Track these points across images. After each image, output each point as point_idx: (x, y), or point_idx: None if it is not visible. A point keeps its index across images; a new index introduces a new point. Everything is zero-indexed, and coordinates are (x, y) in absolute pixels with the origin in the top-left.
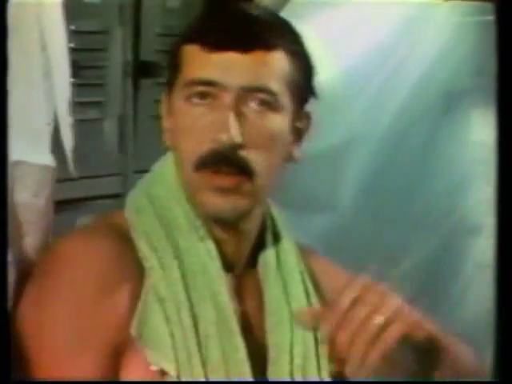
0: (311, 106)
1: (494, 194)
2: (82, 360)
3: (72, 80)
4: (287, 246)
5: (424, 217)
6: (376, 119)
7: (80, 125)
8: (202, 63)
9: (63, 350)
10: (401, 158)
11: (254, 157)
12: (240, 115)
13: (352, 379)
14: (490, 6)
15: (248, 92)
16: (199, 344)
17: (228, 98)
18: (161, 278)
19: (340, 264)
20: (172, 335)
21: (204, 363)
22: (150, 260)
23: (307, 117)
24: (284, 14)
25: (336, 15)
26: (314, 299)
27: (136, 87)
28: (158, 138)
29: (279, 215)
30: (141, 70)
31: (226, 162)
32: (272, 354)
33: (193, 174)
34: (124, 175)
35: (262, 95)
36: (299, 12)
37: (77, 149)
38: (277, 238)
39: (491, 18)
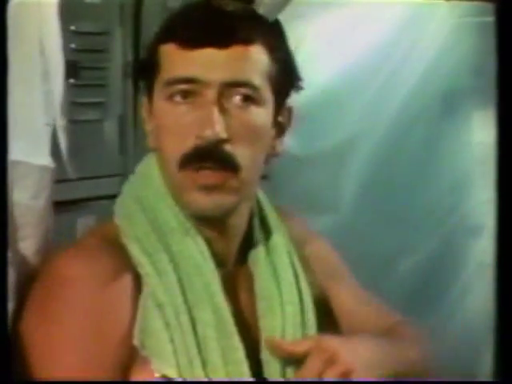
0: (310, 107)
1: (494, 194)
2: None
3: (72, 81)
4: (276, 232)
5: (425, 216)
6: (376, 119)
7: (80, 125)
8: (181, 61)
9: (72, 373)
10: (402, 159)
11: (239, 151)
12: (223, 110)
13: (353, 379)
14: (489, 6)
15: (230, 87)
16: (199, 346)
17: (211, 94)
18: (158, 283)
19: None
20: (172, 340)
21: (204, 365)
22: (145, 266)
23: (289, 111)
24: (285, 14)
25: (336, 15)
26: (303, 282)
27: (136, 88)
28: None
29: (267, 203)
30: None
31: (211, 158)
32: (264, 339)
33: (177, 174)
34: (124, 176)
35: (244, 90)
36: (300, 12)
37: (77, 149)
38: (264, 226)
39: (491, 18)
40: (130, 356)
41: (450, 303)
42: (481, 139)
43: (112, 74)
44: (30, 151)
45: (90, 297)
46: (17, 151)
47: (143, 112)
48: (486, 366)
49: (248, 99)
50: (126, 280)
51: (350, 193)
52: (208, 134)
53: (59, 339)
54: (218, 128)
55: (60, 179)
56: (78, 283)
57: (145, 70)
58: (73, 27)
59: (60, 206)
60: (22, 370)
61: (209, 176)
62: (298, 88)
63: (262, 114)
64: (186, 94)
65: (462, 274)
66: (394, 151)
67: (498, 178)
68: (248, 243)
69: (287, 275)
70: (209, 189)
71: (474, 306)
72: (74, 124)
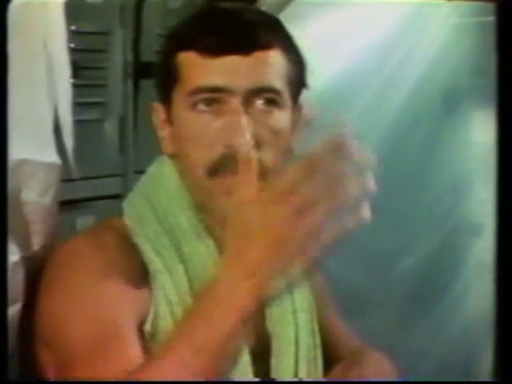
0: (311, 107)
1: (494, 194)
2: (122, 330)
3: (72, 81)
4: None
5: (425, 216)
6: (376, 119)
7: (80, 125)
8: (204, 70)
9: (93, 347)
10: (402, 158)
11: (266, 156)
12: (249, 117)
13: (352, 379)
14: (490, 6)
15: (254, 93)
16: None
17: (236, 102)
18: (168, 280)
19: (341, 264)
20: None
21: None
22: (155, 264)
23: (300, 108)
24: (286, 13)
25: (337, 15)
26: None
27: (136, 88)
28: (158, 139)
29: None
30: (141, 71)
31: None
32: (276, 345)
33: (206, 181)
34: (124, 176)
35: (267, 95)
36: (301, 12)
37: (77, 149)
38: None
39: (491, 18)
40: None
41: (449, 302)
42: (481, 139)
43: (112, 74)
44: (37, 149)
45: (101, 262)
46: (24, 150)
47: (156, 118)
48: (486, 365)
49: (271, 103)
50: (137, 268)
51: None
52: (237, 142)
53: (69, 305)
54: (246, 137)
55: (60, 179)
56: (87, 252)
57: (161, 77)
58: (73, 27)
59: (60, 205)
60: (23, 365)
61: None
62: (307, 86)
63: (283, 117)
64: (210, 103)
65: (462, 274)
66: (394, 150)
67: (498, 178)
68: None
69: (299, 283)
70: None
71: (473, 305)
72: (74, 124)
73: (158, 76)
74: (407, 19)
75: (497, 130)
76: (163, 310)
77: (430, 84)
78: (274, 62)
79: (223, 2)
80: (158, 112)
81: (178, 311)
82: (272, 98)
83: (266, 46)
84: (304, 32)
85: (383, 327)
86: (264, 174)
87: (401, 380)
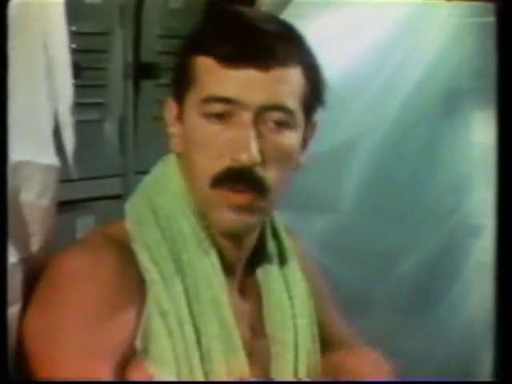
0: None
1: (494, 194)
2: (94, 372)
3: (73, 81)
4: (287, 244)
5: (426, 216)
6: (377, 120)
7: (80, 126)
8: (220, 79)
9: (74, 364)
10: (402, 159)
11: (270, 174)
12: (259, 134)
13: (351, 379)
14: (490, 7)
15: (266, 110)
16: (202, 357)
17: (247, 116)
18: (163, 291)
19: (341, 264)
20: (174, 348)
21: (207, 376)
22: (151, 273)
23: (314, 126)
24: (285, 14)
25: (337, 15)
26: (311, 295)
27: (137, 88)
28: (158, 139)
29: (276, 213)
30: (142, 72)
31: (243, 180)
32: (276, 350)
33: (208, 191)
34: (125, 176)
35: (279, 114)
36: (300, 12)
37: (77, 150)
38: (276, 236)
39: (491, 19)
40: (131, 353)
41: (450, 303)
42: (481, 139)
43: (112, 74)
44: (36, 151)
45: (92, 287)
46: (23, 151)
47: (168, 114)
48: (486, 365)
49: (281, 123)
50: (132, 280)
51: (350, 193)
52: (243, 157)
53: (60, 329)
54: (253, 152)
55: (60, 179)
56: (80, 274)
57: (177, 76)
58: (74, 28)
59: (60, 205)
60: (23, 365)
61: (240, 197)
62: (325, 104)
63: (294, 138)
64: (222, 114)
65: (462, 274)
66: (394, 151)
67: (498, 178)
68: (258, 252)
69: (299, 288)
70: (239, 208)
71: (473, 305)
72: (74, 124)
73: (174, 75)
74: (407, 19)
75: (497, 131)
76: (156, 321)
77: (430, 85)
78: (292, 80)
79: (222, 2)
80: (171, 108)
81: (173, 321)
82: (283, 118)
83: (285, 63)
84: (304, 32)
85: (383, 328)
86: (265, 191)
87: (401, 380)
